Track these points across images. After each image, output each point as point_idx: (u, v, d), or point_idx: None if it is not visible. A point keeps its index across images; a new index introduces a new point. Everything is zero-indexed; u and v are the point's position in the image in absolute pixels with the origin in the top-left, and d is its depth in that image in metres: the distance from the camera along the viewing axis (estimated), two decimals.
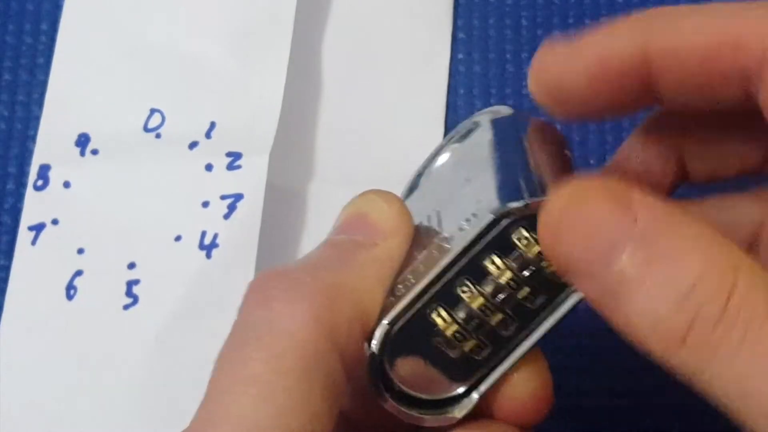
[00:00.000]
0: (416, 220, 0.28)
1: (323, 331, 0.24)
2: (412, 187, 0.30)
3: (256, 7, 0.43)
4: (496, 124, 0.29)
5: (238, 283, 0.38)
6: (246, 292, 0.26)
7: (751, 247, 0.28)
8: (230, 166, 0.40)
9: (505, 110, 0.30)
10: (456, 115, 0.42)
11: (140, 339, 0.39)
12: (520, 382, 0.27)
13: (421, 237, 0.27)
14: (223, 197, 0.40)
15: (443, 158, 0.30)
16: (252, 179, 0.40)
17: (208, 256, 0.39)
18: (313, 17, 0.44)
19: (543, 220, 0.25)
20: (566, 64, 0.27)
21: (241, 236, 0.39)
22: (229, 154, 0.41)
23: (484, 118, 0.30)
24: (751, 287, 0.22)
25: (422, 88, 0.43)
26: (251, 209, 0.39)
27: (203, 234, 0.40)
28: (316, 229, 0.41)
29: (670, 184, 0.30)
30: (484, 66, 0.43)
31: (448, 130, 0.42)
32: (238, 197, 0.40)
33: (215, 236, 0.39)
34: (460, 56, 0.43)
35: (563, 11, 0.44)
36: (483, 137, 0.29)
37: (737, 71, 0.26)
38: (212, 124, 0.41)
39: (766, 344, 0.22)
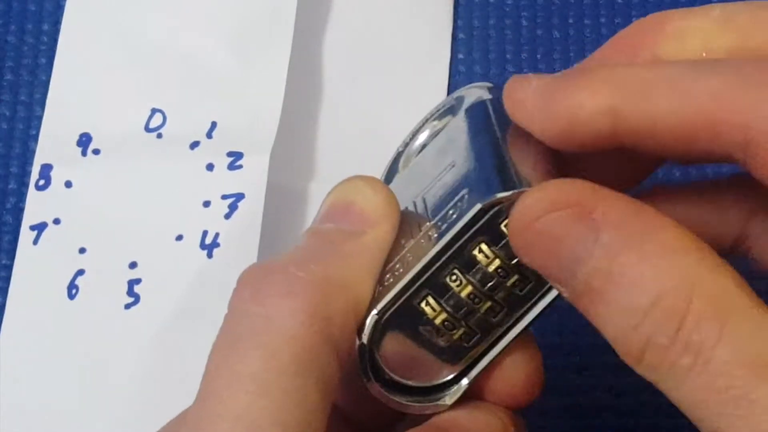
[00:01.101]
0: (401, 206, 0.27)
1: (318, 327, 0.24)
2: (393, 170, 0.30)
3: (257, 7, 0.43)
4: (482, 104, 0.29)
5: None
6: (237, 286, 0.26)
7: (738, 239, 0.28)
8: (231, 166, 0.40)
9: (489, 88, 0.29)
10: None
11: (141, 338, 0.39)
12: (512, 366, 0.27)
13: (407, 223, 0.27)
14: (224, 197, 0.40)
15: (423, 138, 0.30)
16: (253, 179, 0.40)
17: (209, 255, 0.39)
18: (314, 17, 0.44)
19: (512, 226, 0.25)
20: (535, 115, 0.26)
21: (242, 236, 0.39)
22: (230, 154, 0.41)
23: (467, 95, 0.29)
24: (707, 306, 0.22)
25: (422, 88, 0.43)
26: (252, 209, 0.40)
27: (204, 234, 0.40)
28: None
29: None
30: (484, 66, 0.43)
31: None
32: (239, 197, 0.40)
33: (216, 236, 0.40)
34: (460, 56, 0.44)
35: (563, 11, 0.44)
36: (467, 118, 0.28)
37: (716, 153, 0.24)
38: (213, 124, 0.42)
39: (715, 371, 0.22)
